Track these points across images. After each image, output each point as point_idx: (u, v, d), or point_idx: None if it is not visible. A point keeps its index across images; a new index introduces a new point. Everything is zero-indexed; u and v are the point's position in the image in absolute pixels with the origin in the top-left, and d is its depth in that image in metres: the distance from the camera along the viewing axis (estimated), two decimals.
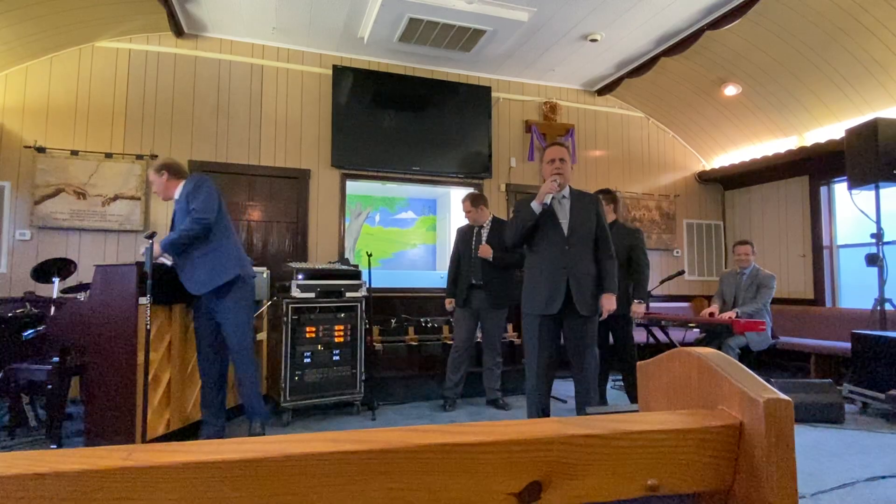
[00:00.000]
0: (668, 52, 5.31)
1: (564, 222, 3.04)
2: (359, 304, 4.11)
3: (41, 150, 4.65)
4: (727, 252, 6.94)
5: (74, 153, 4.74)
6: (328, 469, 0.60)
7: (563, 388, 4.61)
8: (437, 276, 4.57)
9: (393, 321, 5.16)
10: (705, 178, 6.96)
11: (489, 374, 4.27)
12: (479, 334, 4.37)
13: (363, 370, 4.06)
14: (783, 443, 0.68)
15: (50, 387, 3.04)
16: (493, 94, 6.08)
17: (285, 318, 3.84)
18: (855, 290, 5.67)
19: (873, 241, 4.45)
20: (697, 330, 4.50)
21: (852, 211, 4.77)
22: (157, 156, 4.99)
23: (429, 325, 5.01)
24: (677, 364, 0.90)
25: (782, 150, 5.89)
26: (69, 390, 3.27)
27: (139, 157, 4.92)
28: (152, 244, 2.96)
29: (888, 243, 4.60)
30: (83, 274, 4.36)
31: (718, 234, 7.06)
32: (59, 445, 3.11)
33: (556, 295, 2.96)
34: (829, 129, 5.44)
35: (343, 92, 5.51)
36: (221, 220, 3.22)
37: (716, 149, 6.76)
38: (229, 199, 5.23)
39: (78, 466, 0.54)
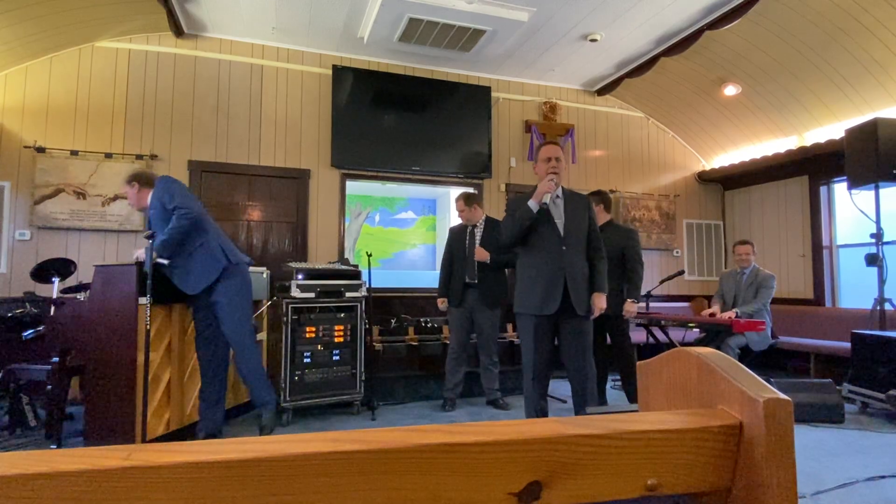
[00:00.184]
0: (668, 52, 5.31)
1: (560, 222, 3.04)
2: (359, 304, 4.11)
3: (41, 150, 4.65)
4: (727, 252, 6.94)
5: (74, 153, 4.74)
6: (328, 469, 0.60)
7: (563, 388, 4.61)
8: (436, 276, 4.56)
9: (393, 321, 5.16)
10: (705, 178, 6.96)
11: (487, 373, 4.27)
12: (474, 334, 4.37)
13: (363, 370, 4.06)
14: (783, 443, 0.68)
15: (50, 387, 3.04)
16: (493, 94, 6.08)
17: (285, 318, 3.84)
18: (855, 289, 5.67)
19: (873, 241, 4.45)
20: (697, 330, 4.50)
21: (852, 211, 4.77)
22: (156, 156, 4.99)
23: (429, 325, 5.01)
24: (677, 364, 0.90)
25: (782, 150, 5.89)
26: (69, 390, 3.27)
27: (139, 157, 4.92)
28: (152, 244, 2.96)
29: (888, 243, 4.60)
30: (83, 274, 4.36)
31: (718, 234, 7.06)
32: (59, 445, 3.10)
33: (552, 295, 2.95)
34: (829, 129, 5.44)
35: (343, 92, 5.51)
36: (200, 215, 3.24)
37: (716, 149, 6.76)
38: (229, 199, 5.23)
39: (78, 466, 0.54)
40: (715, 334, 4.32)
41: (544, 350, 3.04)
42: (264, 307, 4.29)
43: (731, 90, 5.72)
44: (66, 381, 3.16)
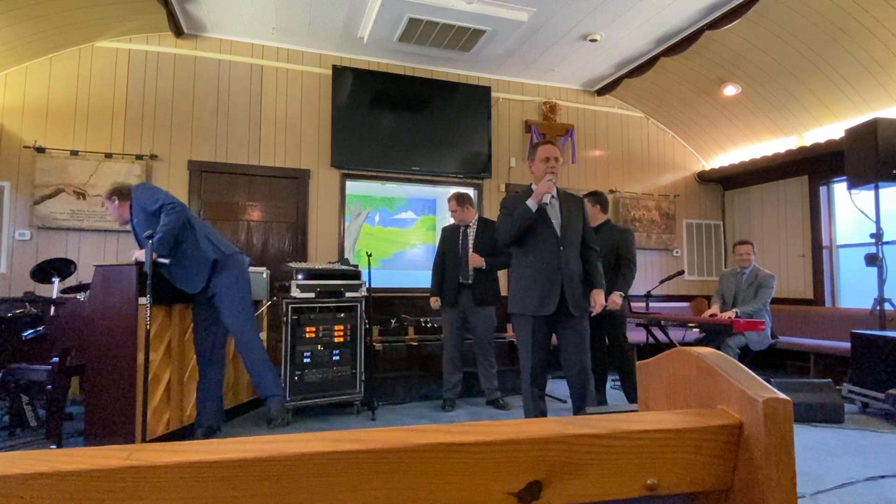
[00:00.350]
0: (668, 52, 5.31)
1: (556, 222, 3.05)
2: (359, 304, 4.11)
3: (41, 150, 4.65)
4: (727, 252, 6.95)
5: (74, 153, 4.74)
6: (328, 469, 0.60)
7: (563, 388, 4.61)
8: None
9: (393, 321, 5.16)
10: (705, 178, 6.96)
11: (485, 373, 4.27)
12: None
13: (363, 370, 4.06)
14: (782, 442, 0.68)
15: (50, 387, 3.04)
16: (493, 94, 6.08)
17: (285, 318, 3.84)
18: (854, 289, 5.67)
19: (873, 240, 4.45)
20: (697, 330, 4.50)
21: (852, 211, 4.77)
22: (156, 156, 4.99)
23: (429, 325, 5.01)
24: (677, 364, 0.90)
25: (782, 150, 5.89)
26: (69, 390, 3.27)
27: (139, 157, 4.92)
28: (151, 244, 2.96)
29: (887, 243, 4.60)
30: (83, 274, 4.36)
31: (718, 234, 7.06)
32: (59, 445, 3.11)
33: (551, 296, 2.95)
34: (829, 129, 5.44)
35: (343, 92, 5.51)
36: None
37: (715, 149, 6.77)
38: (229, 199, 5.23)
39: (79, 466, 0.54)
40: (715, 334, 4.32)
41: (542, 351, 3.04)
42: (264, 307, 4.29)
43: (730, 90, 5.72)
44: (66, 381, 3.16)
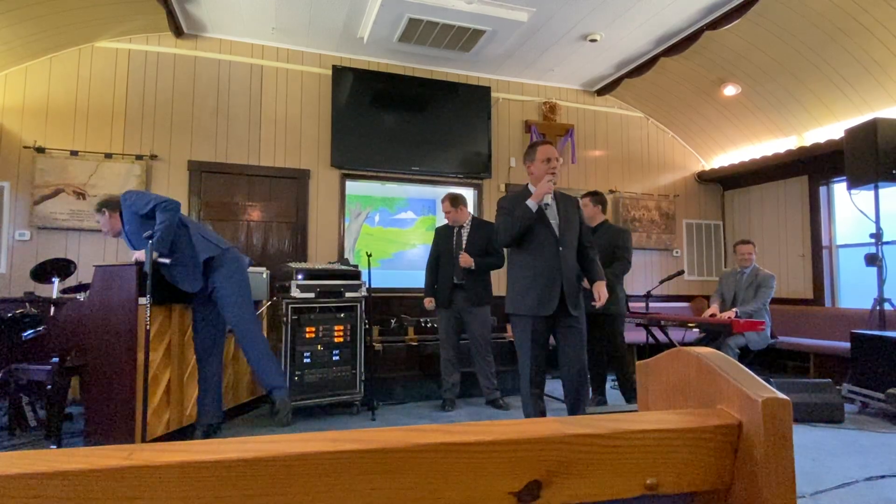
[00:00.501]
0: (668, 52, 5.31)
1: (554, 223, 3.05)
2: (358, 305, 4.11)
3: (41, 150, 4.65)
4: (727, 252, 6.95)
5: (74, 153, 4.74)
6: (328, 469, 0.60)
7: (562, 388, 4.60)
8: None
9: (393, 321, 5.15)
10: (705, 178, 6.96)
11: (483, 373, 4.27)
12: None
13: (363, 370, 4.06)
14: (782, 442, 0.68)
15: (50, 387, 3.04)
16: (493, 95, 6.08)
17: (285, 319, 3.84)
18: (854, 289, 5.67)
19: (872, 241, 4.45)
20: (697, 330, 4.50)
21: (851, 211, 4.77)
22: (156, 156, 4.99)
23: (429, 325, 5.01)
24: (677, 364, 0.90)
25: (782, 150, 5.89)
26: (69, 390, 3.27)
27: (139, 157, 4.92)
28: (151, 244, 2.96)
29: (887, 243, 4.60)
30: (83, 274, 4.36)
31: (718, 234, 7.06)
32: (59, 445, 3.11)
33: (551, 296, 2.96)
34: (829, 129, 5.44)
35: (343, 92, 5.51)
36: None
37: (715, 149, 6.77)
38: (229, 199, 5.23)
39: (79, 466, 0.54)
40: (715, 334, 4.32)
41: (541, 351, 3.04)
42: (264, 307, 4.29)
43: (730, 90, 5.72)
44: (66, 381, 3.16)
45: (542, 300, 2.96)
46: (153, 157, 4.97)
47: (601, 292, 3.09)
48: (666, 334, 4.64)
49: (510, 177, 6.19)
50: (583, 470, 0.68)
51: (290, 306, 3.85)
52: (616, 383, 4.95)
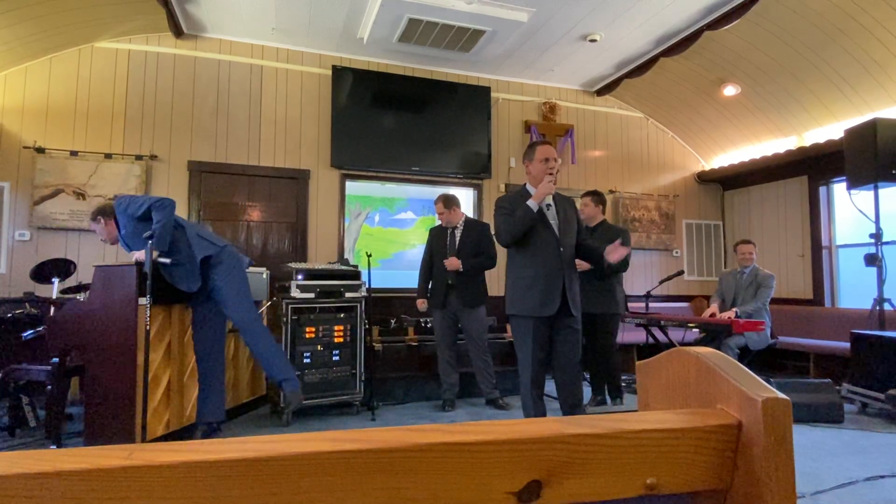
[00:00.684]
0: (668, 52, 5.31)
1: (554, 223, 3.05)
2: (358, 305, 4.11)
3: (40, 150, 4.65)
4: (727, 252, 6.95)
5: (74, 154, 4.74)
6: (328, 469, 0.60)
7: None
8: None
9: (393, 321, 5.15)
10: (704, 179, 6.96)
11: (481, 374, 4.27)
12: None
13: (363, 370, 4.06)
14: (782, 442, 0.68)
15: (50, 387, 3.04)
16: (493, 95, 6.08)
17: (285, 319, 3.84)
18: (854, 289, 5.67)
19: (872, 241, 4.45)
20: (697, 330, 4.50)
21: (851, 211, 4.77)
22: (156, 156, 4.99)
23: (429, 325, 5.00)
24: (676, 363, 0.90)
25: (781, 151, 5.89)
26: (69, 390, 3.27)
27: (139, 157, 4.92)
28: (151, 244, 2.96)
29: (887, 243, 4.60)
30: (83, 274, 4.36)
31: (718, 234, 7.06)
32: (59, 445, 3.11)
33: (552, 297, 2.95)
34: (829, 130, 5.44)
35: (343, 92, 5.51)
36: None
37: (715, 149, 6.77)
38: (229, 199, 5.23)
39: (79, 466, 0.54)
40: (714, 334, 4.32)
41: (542, 351, 3.03)
42: (264, 307, 4.29)
43: (730, 90, 5.72)
44: (66, 381, 3.16)
45: (543, 301, 2.95)
46: (153, 157, 4.97)
47: (613, 250, 3.00)
48: (666, 334, 4.64)
49: (510, 177, 6.19)
50: (583, 470, 0.68)
51: (290, 306, 3.85)
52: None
